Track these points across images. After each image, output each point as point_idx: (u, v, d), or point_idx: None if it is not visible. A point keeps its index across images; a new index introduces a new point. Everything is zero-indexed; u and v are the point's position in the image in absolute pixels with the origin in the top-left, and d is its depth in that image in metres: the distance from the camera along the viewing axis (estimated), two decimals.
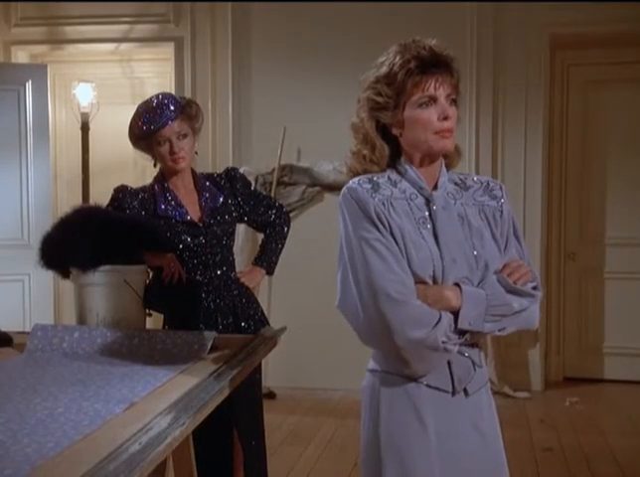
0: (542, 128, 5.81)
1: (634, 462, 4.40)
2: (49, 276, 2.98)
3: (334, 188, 5.89)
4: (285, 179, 5.92)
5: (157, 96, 3.05)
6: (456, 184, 1.99)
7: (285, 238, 3.33)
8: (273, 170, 5.86)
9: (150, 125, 2.97)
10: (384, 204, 1.87)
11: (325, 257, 5.95)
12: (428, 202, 1.91)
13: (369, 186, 1.89)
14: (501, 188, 2.02)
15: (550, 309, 6.21)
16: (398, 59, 1.86)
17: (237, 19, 5.99)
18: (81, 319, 2.77)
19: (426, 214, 1.90)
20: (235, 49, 6.00)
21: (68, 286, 2.92)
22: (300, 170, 5.92)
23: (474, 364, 1.92)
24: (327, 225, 5.92)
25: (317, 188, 5.93)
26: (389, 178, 1.92)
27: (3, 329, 2.78)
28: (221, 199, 3.12)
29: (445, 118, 1.86)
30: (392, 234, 1.84)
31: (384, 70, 1.89)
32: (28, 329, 2.69)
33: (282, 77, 5.96)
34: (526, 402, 5.64)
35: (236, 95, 6.03)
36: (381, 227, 1.84)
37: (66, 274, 2.82)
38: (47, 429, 1.67)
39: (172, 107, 3.01)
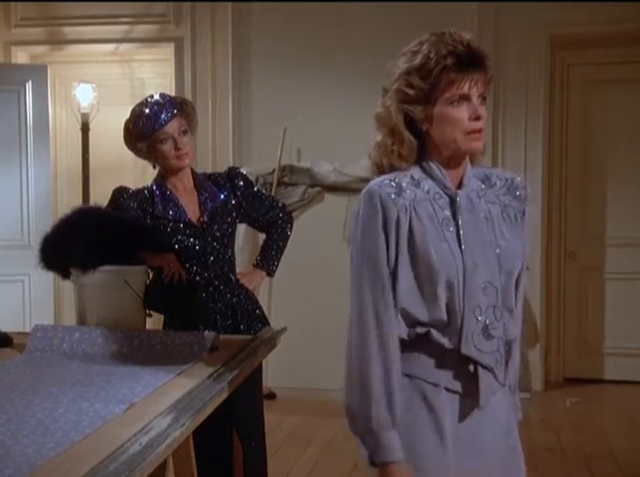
0: (542, 128, 5.82)
1: (634, 462, 4.40)
2: (49, 277, 2.98)
3: (334, 188, 5.90)
4: (286, 179, 5.92)
5: (152, 96, 3.06)
6: (482, 181, 1.91)
7: (287, 239, 3.31)
8: (274, 170, 5.86)
9: (153, 124, 2.97)
10: (406, 209, 1.80)
11: (325, 258, 5.98)
12: (452, 201, 1.84)
13: (392, 190, 1.82)
14: (525, 188, 1.94)
15: (550, 309, 6.21)
16: (433, 52, 1.78)
17: (237, 19, 5.99)
18: (82, 319, 2.77)
19: (450, 214, 1.83)
20: (235, 49, 6.00)
21: (68, 287, 2.93)
22: (300, 170, 5.92)
23: (501, 385, 1.88)
24: (327, 225, 5.96)
25: (317, 188, 5.94)
26: (412, 177, 1.85)
27: (3, 329, 2.78)
28: (221, 199, 3.12)
29: (477, 118, 1.79)
30: (412, 239, 1.80)
31: (417, 61, 1.80)
32: (28, 329, 2.69)
33: (282, 77, 5.96)
34: (526, 403, 5.63)
35: (236, 96, 6.03)
36: (392, 242, 1.79)
37: (66, 275, 2.82)
38: (47, 430, 1.66)
39: (171, 105, 3.03)
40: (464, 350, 1.80)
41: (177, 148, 3.00)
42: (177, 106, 3.04)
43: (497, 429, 1.90)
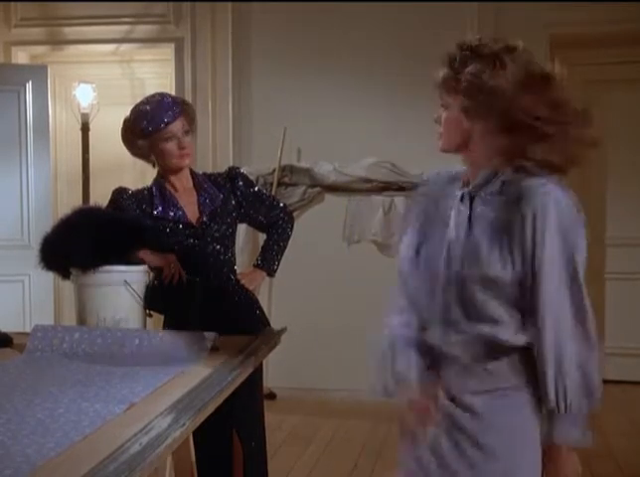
0: None
1: (634, 462, 4.40)
2: (49, 277, 2.98)
3: (334, 188, 5.90)
4: (286, 180, 5.92)
5: (155, 95, 3.07)
6: (501, 184, 1.87)
7: (288, 239, 3.30)
8: (274, 171, 5.86)
9: (159, 122, 2.97)
10: (419, 201, 1.99)
11: (325, 258, 5.98)
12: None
13: (424, 182, 2.04)
14: (529, 201, 1.80)
15: None
16: None
17: (237, 19, 5.99)
18: (82, 319, 2.77)
19: (450, 213, 1.90)
20: (235, 49, 6.00)
21: (68, 287, 2.93)
22: (300, 170, 5.92)
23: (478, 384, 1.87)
24: (328, 225, 5.96)
25: (317, 188, 5.93)
26: (456, 174, 1.98)
27: (3, 329, 2.78)
28: (220, 199, 3.11)
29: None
30: (418, 229, 1.96)
31: None
32: (28, 329, 2.69)
33: (282, 77, 5.96)
34: None
35: (236, 96, 6.03)
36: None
37: (66, 275, 2.82)
38: (47, 430, 1.66)
39: (175, 104, 3.04)
40: (426, 336, 1.90)
41: (181, 147, 3.01)
42: (180, 106, 3.04)
43: (472, 427, 1.88)
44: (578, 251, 1.84)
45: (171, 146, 3.00)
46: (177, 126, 3.00)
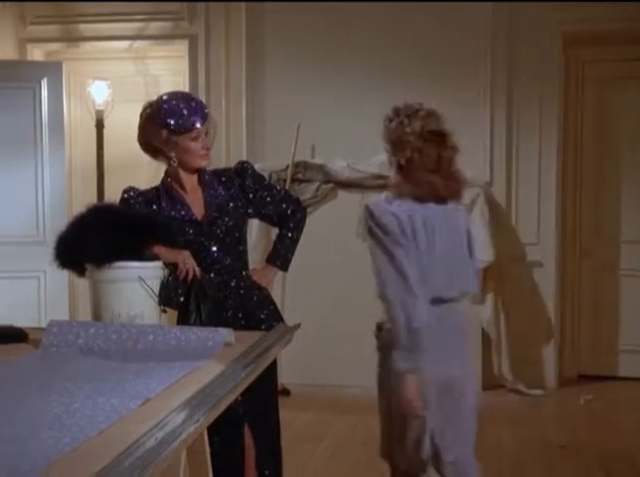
0: (556, 125, 5.80)
1: None
2: (64, 273, 3.00)
3: (348, 185, 5.90)
4: (299, 176, 5.93)
5: (184, 93, 3.18)
6: None
7: (301, 233, 3.27)
8: (287, 167, 5.87)
9: (202, 119, 3.02)
10: None
11: (339, 254, 5.98)
12: None
13: None
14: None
15: (564, 306, 6.20)
16: None
17: (250, 17, 6.00)
18: (97, 315, 2.78)
19: None
20: (248, 46, 6.01)
21: (83, 283, 2.94)
22: (314, 167, 5.92)
23: None
24: (341, 221, 5.96)
25: (331, 185, 5.94)
26: None
27: (19, 325, 2.79)
28: (229, 195, 3.11)
29: None
30: None
31: None
32: (43, 325, 2.70)
33: (296, 74, 5.97)
34: (540, 400, 5.63)
35: (249, 93, 6.04)
36: None
37: (81, 273, 2.84)
38: (63, 425, 1.67)
39: (203, 105, 3.12)
40: None
41: (206, 147, 3.04)
42: (206, 109, 3.11)
43: None
44: (380, 245, 2.74)
45: (196, 145, 3.03)
46: (205, 127, 3.04)
